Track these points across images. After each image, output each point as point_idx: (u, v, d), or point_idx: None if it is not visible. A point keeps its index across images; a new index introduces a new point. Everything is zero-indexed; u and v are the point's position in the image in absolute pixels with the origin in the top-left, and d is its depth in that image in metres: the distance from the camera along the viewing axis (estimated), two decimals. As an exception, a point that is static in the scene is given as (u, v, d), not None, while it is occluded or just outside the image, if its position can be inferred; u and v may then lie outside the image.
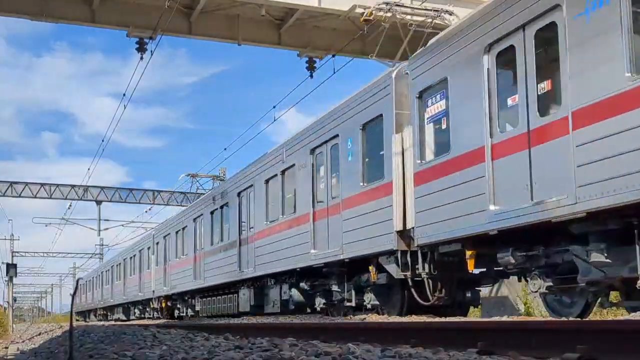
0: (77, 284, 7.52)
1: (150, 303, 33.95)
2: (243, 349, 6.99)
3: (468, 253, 10.73)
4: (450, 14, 16.44)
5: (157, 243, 32.65)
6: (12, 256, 61.79)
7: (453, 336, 6.66)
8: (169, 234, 30.64)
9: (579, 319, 9.06)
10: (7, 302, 56.64)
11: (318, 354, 5.88)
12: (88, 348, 8.35)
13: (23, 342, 21.43)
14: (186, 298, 28.39)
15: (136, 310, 39.36)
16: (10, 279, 54.14)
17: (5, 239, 61.83)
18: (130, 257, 39.89)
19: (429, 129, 11.68)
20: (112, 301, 45.83)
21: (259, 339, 8.51)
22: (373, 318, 13.56)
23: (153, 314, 34.58)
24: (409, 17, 16.58)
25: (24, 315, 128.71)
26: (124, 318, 42.76)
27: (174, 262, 28.96)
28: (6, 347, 19.38)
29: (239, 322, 16.10)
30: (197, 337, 9.82)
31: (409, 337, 6.79)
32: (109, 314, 50.56)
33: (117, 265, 44.56)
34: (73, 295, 7.31)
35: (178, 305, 30.09)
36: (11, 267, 53.24)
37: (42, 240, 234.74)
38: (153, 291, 32.60)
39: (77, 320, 65.38)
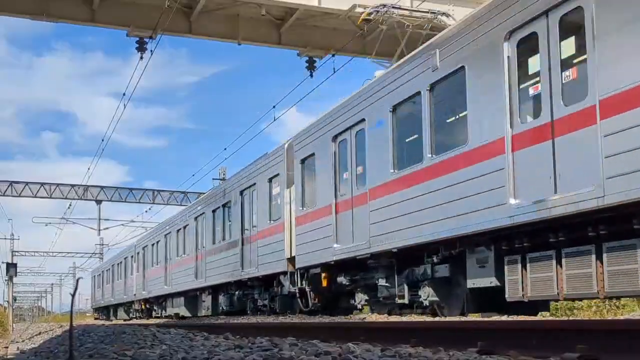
0: (77, 283, 7.51)
1: (280, 283, 18.32)
2: (243, 348, 6.99)
3: None
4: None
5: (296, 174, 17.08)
6: (12, 256, 61.84)
7: (453, 336, 6.67)
8: (340, 133, 14.98)
9: (579, 319, 9.04)
10: (7, 301, 56.65)
11: (318, 354, 5.88)
12: (88, 348, 8.35)
13: (23, 341, 21.44)
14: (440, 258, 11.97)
15: (224, 301, 23.55)
16: (10, 278, 54.17)
17: (5, 239, 61.93)
18: (214, 210, 23.96)
19: None
20: (166, 288, 30.52)
21: (259, 338, 8.51)
22: (373, 318, 13.55)
23: (284, 306, 18.66)
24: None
25: (24, 314, 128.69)
26: (187, 314, 28.78)
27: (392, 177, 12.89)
28: (6, 347, 19.39)
29: (239, 322, 16.09)
30: (197, 337, 9.82)
31: (409, 337, 6.80)
32: (155, 308, 35.50)
33: (177, 232, 29.22)
34: (73, 295, 7.29)
35: (380, 281, 13.97)
36: (11, 267, 53.25)
37: (42, 240, 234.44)
38: (290, 259, 17.17)
39: (96, 318, 55.50)
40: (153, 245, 34.28)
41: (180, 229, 28.94)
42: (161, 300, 33.59)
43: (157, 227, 35.53)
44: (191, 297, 28.04)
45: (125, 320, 40.77)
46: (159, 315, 34.52)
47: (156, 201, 45.62)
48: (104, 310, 53.33)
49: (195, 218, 26.44)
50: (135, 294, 38.25)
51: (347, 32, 18.88)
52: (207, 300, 25.69)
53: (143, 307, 37.85)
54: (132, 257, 39.92)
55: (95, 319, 56.53)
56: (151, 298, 35.06)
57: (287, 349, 6.61)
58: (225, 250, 22.16)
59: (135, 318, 39.76)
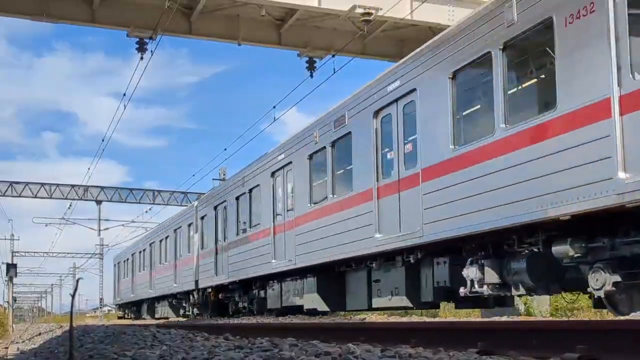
0: (77, 284, 7.53)
1: None
2: (243, 349, 6.99)
3: None
4: None
5: None
6: (12, 256, 61.85)
7: (453, 336, 6.67)
8: None
9: (579, 319, 9.05)
10: (7, 302, 56.67)
11: (318, 354, 5.88)
12: (88, 348, 8.35)
13: (23, 342, 21.44)
14: None
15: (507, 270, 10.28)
16: (10, 279, 54.19)
17: (5, 239, 61.96)
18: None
19: None
20: (275, 263, 17.79)
21: (259, 339, 8.51)
22: (373, 318, 13.57)
23: None
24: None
25: (24, 315, 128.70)
26: (329, 307, 16.26)
27: None
28: (6, 347, 19.40)
29: (239, 322, 16.10)
30: (197, 337, 9.82)
31: (409, 338, 6.80)
32: (238, 299, 22.12)
33: (311, 158, 16.29)
34: (73, 296, 7.30)
35: None
36: (11, 267, 53.29)
37: (42, 240, 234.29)
38: None
39: (121, 317, 45.63)
40: (241, 197, 20.72)
41: (323, 148, 15.55)
42: (258, 285, 20.23)
43: (247, 167, 20.58)
44: (335, 277, 15.58)
45: (159, 319, 30.65)
46: (246, 308, 21.37)
47: (156, 201, 45.63)
48: (133, 307, 41.74)
49: (376, 113, 13.45)
50: (198, 280, 25.18)
51: (347, 33, 18.89)
52: (389, 278, 13.36)
53: (213, 297, 24.29)
54: (190, 225, 26.68)
55: (119, 317, 46.47)
56: (233, 284, 21.86)
57: (287, 349, 6.61)
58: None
59: (192, 316, 27.18)
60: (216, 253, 23.14)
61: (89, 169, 44.21)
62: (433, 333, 7.14)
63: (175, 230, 29.52)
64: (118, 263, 46.38)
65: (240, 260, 20.58)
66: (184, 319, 26.98)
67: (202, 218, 25.28)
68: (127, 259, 42.00)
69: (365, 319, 13.58)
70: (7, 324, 45.14)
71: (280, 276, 18.30)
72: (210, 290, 24.42)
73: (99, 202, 45.00)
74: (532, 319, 12.99)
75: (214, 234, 23.44)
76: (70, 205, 46.27)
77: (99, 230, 48.40)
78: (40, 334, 25.76)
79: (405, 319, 13.84)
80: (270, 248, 18.16)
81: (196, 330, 12.38)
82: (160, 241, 32.27)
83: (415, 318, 15.37)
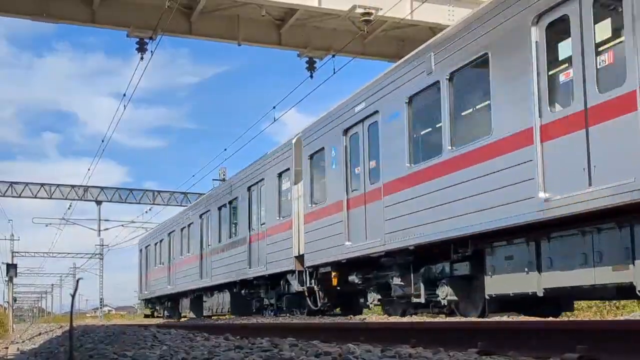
0: (77, 284, 7.53)
1: None
2: (243, 349, 6.99)
3: None
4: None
5: None
6: (12, 256, 61.88)
7: (453, 336, 6.67)
8: None
9: (579, 319, 9.06)
10: (7, 302, 56.70)
11: (318, 354, 5.88)
12: (88, 348, 8.35)
13: (23, 342, 21.44)
14: None
15: None
16: (10, 279, 54.22)
17: (5, 239, 62.01)
18: None
19: None
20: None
21: (259, 339, 8.51)
22: (373, 318, 13.57)
23: None
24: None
25: (24, 315, 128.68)
26: None
27: None
28: (6, 347, 19.39)
29: (239, 322, 16.10)
30: (197, 337, 9.82)
31: (409, 337, 6.80)
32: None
33: None
34: (73, 296, 7.30)
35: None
36: (11, 267, 53.33)
37: (42, 240, 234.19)
38: None
39: (148, 316, 36.75)
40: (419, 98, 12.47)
41: None
42: (461, 254, 11.44)
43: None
44: None
45: (209, 317, 24.71)
46: (420, 296, 12.86)
47: (156, 202, 45.67)
48: (167, 302, 33.07)
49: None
50: (303, 255, 16.68)
51: (347, 33, 18.89)
52: None
53: (334, 282, 15.61)
54: (283, 174, 18.58)
55: (146, 316, 37.11)
56: (389, 256, 13.31)
57: (287, 349, 6.61)
58: None
59: (269, 314, 19.76)
60: (348, 207, 14.72)
61: (89, 169, 44.30)
62: (433, 333, 7.14)
63: (249, 188, 20.59)
64: (146, 247, 35.35)
65: (421, 209, 11.89)
66: (262, 318, 18.31)
67: (312, 157, 16.70)
68: (161, 241, 31.66)
69: (365, 318, 13.58)
70: (7, 324, 45.19)
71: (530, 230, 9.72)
72: (329, 269, 15.66)
73: (99, 203, 45.06)
74: (532, 319, 12.98)
75: (344, 178, 14.85)
76: (70, 206, 46.40)
77: (99, 231, 48.51)
78: (40, 334, 25.76)
79: (405, 319, 13.85)
80: (533, 170, 9.34)
81: (196, 330, 12.39)
82: (220, 209, 23.22)
83: (415, 318, 15.35)
